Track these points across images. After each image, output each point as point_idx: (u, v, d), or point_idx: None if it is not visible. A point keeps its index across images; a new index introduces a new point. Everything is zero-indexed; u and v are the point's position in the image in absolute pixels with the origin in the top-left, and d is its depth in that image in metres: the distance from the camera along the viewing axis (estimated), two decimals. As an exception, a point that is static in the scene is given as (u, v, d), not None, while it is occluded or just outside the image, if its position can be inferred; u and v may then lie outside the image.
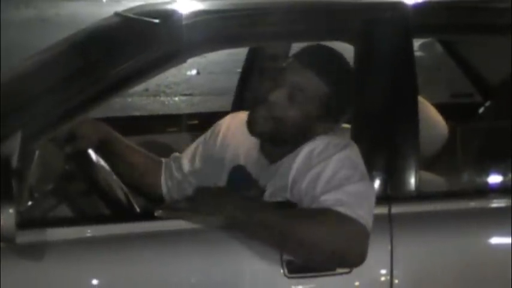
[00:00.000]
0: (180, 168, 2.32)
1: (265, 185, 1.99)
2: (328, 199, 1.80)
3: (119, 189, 2.19)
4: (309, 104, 1.95)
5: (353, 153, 1.92)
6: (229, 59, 7.49)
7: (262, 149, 2.06)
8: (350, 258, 1.82)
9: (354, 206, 1.80)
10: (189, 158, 2.32)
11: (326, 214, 1.78)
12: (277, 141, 2.00)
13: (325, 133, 2.00)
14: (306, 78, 1.95)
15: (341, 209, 1.77)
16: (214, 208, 1.83)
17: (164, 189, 2.33)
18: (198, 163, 2.28)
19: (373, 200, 1.87)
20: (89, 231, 1.92)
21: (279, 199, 1.93)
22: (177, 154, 2.38)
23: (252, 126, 1.98)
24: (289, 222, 1.82)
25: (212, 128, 2.31)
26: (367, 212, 1.82)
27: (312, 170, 1.86)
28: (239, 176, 2.07)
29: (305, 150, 1.92)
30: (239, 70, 3.39)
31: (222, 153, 2.19)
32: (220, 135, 2.24)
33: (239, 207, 1.83)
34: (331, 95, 1.96)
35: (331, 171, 1.85)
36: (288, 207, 1.91)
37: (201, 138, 2.34)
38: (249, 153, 2.09)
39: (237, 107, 3.09)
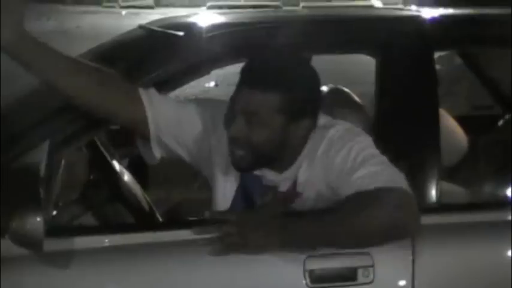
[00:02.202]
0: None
1: (283, 191, 1.96)
2: (366, 174, 1.78)
3: (143, 199, 2.20)
4: (272, 120, 1.86)
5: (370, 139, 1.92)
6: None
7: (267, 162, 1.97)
8: (410, 228, 1.82)
9: (392, 173, 1.80)
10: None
11: (371, 193, 1.75)
12: (270, 163, 1.95)
13: (308, 132, 1.93)
14: (254, 98, 1.85)
15: (381, 184, 1.75)
16: (264, 242, 1.81)
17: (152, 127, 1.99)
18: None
19: None
20: (108, 240, 1.92)
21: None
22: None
23: (237, 167, 1.93)
24: (346, 223, 1.77)
25: None
26: (402, 176, 1.81)
27: (339, 155, 1.84)
28: (253, 182, 2.01)
29: (327, 138, 1.90)
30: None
31: None
32: None
33: (292, 237, 1.82)
34: (289, 100, 1.86)
35: (358, 149, 1.83)
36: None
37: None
38: None
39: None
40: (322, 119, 1.97)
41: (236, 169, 1.94)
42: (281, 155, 1.94)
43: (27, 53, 1.83)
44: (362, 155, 1.82)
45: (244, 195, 2.01)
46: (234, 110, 1.89)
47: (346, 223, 1.78)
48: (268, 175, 1.99)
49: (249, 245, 1.82)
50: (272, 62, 1.93)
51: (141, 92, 1.97)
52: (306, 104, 1.91)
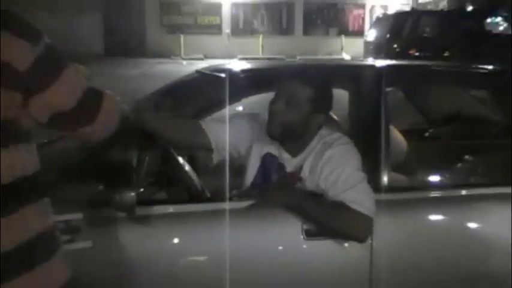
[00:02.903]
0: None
1: (291, 171, 1.92)
2: (349, 196, 1.76)
3: (198, 182, 2.18)
4: (301, 105, 1.84)
5: (358, 157, 1.86)
6: (264, 100, 7.47)
7: (283, 146, 1.95)
8: (360, 238, 1.81)
9: (366, 201, 1.77)
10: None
11: (348, 209, 1.75)
12: (290, 137, 1.90)
13: (321, 125, 1.90)
14: (294, 87, 1.84)
15: (357, 207, 1.75)
16: (279, 198, 1.81)
17: (214, 146, 1.99)
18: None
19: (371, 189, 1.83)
20: (172, 208, 1.91)
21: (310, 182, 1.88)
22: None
23: (269, 133, 1.90)
24: (326, 211, 1.79)
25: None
26: (372, 201, 1.78)
27: (334, 172, 1.81)
28: (270, 161, 1.97)
29: (327, 154, 1.85)
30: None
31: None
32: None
33: (295, 198, 1.81)
34: (315, 95, 1.83)
35: (348, 172, 1.80)
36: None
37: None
38: (274, 146, 1.97)
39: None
40: (324, 128, 1.93)
41: (269, 135, 1.91)
42: (296, 137, 1.90)
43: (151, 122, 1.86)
44: (351, 180, 1.79)
45: (263, 170, 1.98)
46: (279, 95, 1.87)
47: (328, 214, 1.78)
48: (283, 155, 1.94)
49: (280, 201, 1.81)
50: (315, 72, 1.99)
51: (203, 124, 1.98)
52: (323, 104, 1.90)
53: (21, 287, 1.15)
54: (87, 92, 1.26)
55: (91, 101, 1.28)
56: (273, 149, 1.97)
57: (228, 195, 1.86)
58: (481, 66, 2.66)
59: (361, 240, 1.81)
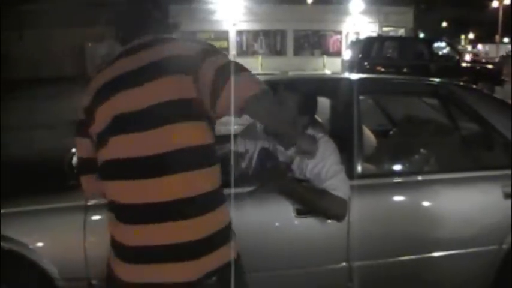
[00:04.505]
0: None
1: (286, 162, 1.87)
2: (329, 184, 1.74)
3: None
4: (290, 107, 1.80)
5: (337, 153, 1.83)
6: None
7: (277, 140, 1.90)
8: (339, 217, 1.78)
9: (343, 188, 1.74)
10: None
11: (329, 195, 1.74)
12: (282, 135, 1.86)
13: (308, 125, 1.86)
14: (285, 94, 1.82)
15: (336, 192, 1.73)
16: (275, 184, 1.78)
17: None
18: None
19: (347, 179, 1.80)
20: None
21: (298, 172, 1.84)
22: None
23: (266, 129, 1.89)
24: (312, 196, 1.77)
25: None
26: (348, 188, 1.77)
27: (318, 165, 1.78)
28: (266, 154, 1.91)
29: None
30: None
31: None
32: None
33: (288, 184, 1.78)
34: (301, 103, 1.82)
35: (329, 165, 1.77)
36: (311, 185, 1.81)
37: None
38: (269, 142, 1.93)
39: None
40: (310, 128, 1.88)
41: (265, 131, 1.88)
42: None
43: None
44: (331, 172, 1.76)
45: (260, 161, 1.90)
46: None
47: (314, 198, 1.76)
48: (277, 148, 1.90)
49: (277, 187, 1.79)
50: (300, 83, 1.97)
51: None
52: (307, 107, 1.87)
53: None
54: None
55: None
56: (268, 144, 1.92)
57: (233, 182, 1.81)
58: (430, 79, 2.63)
59: (340, 219, 1.77)
